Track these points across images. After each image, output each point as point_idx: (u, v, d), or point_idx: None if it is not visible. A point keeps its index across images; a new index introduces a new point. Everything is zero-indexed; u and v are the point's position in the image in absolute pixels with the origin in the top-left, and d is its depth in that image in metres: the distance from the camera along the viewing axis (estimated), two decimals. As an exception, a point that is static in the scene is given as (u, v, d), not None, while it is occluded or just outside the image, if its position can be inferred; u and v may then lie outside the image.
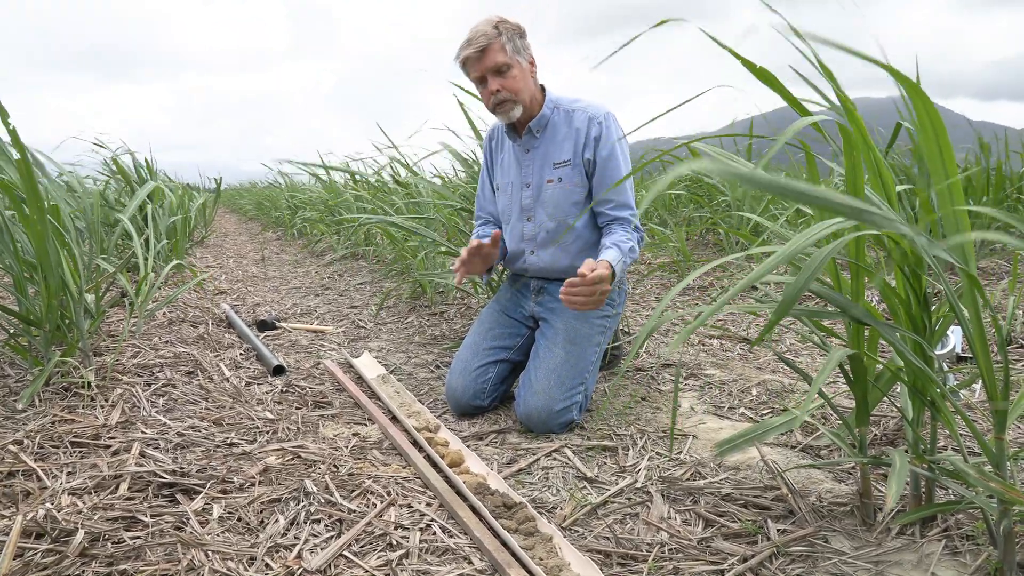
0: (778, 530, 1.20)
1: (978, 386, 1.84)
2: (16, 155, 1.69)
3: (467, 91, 2.84)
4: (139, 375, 2.05)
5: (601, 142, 1.88)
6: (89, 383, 1.85)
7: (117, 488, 1.35)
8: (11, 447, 1.49)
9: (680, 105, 0.98)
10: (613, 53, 0.91)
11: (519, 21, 1.87)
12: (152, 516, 1.25)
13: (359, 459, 1.56)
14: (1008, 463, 0.99)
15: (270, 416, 1.81)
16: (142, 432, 1.63)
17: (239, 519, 1.28)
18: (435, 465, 1.51)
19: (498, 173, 2.10)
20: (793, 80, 0.98)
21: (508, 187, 2.04)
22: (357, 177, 5.31)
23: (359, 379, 2.17)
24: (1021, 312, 2.38)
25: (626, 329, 2.52)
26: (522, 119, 1.93)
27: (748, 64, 0.93)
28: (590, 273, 1.59)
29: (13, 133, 1.67)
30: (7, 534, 1.15)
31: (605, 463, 1.55)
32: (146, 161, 4.86)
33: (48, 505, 1.23)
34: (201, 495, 1.35)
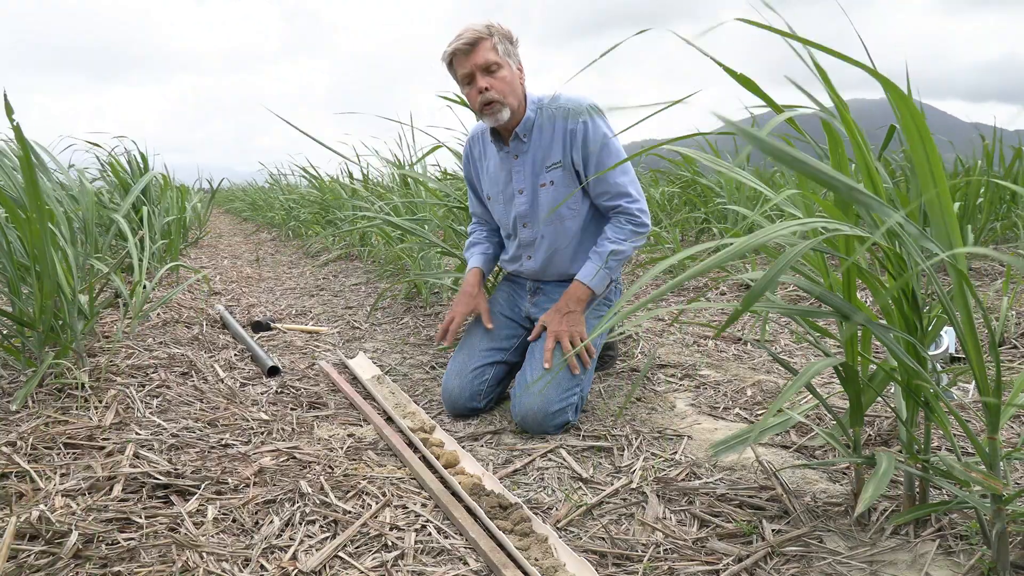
0: (773, 530, 1.21)
1: (971, 386, 1.85)
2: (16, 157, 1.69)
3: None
4: (133, 376, 2.04)
5: (589, 137, 1.84)
6: (83, 384, 1.85)
7: (111, 489, 1.34)
8: (4, 448, 1.49)
9: (671, 104, 0.98)
10: (602, 55, 0.91)
11: (510, 28, 1.85)
12: (146, 517, 1.25)
13: (354, 460, 1.56)
14: (1001, 463, 0.99)
15: (265, 417, 1.81)
16: (136, 433, 1.63)
17: (234, 520, 1.27)
18: (430, 466, 1.51)
19: (485, 182, 2.05)
20: (782, 84, 0.98)
21: (500, 196, 2.00)
22: (354, 178, 5.30)
23: (354, 380, 2.17)
24: (1014, 313, 2.39)
25: (621, 329, 2.52)
26: (508, 125, 1.88)
27: (729, 70, 0.94)
28: (539, 337, 1.73)
29: (17, 129, 1.66)
30: (1, 536, 1.15)
31: (600, 463, 1.55)
32: (142, 156, 4.82)
33: (42, 507, 1.23)
34: (196, 496, 1.34)
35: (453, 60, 1.82)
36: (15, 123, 1.64)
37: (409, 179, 3.91)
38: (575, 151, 1.85)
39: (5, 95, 1.63)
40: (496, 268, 2.31)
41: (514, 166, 1.94)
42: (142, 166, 4.73)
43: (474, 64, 1.78)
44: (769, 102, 1.00)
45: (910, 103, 0.85)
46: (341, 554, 1.17)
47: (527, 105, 1.89)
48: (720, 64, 0.92)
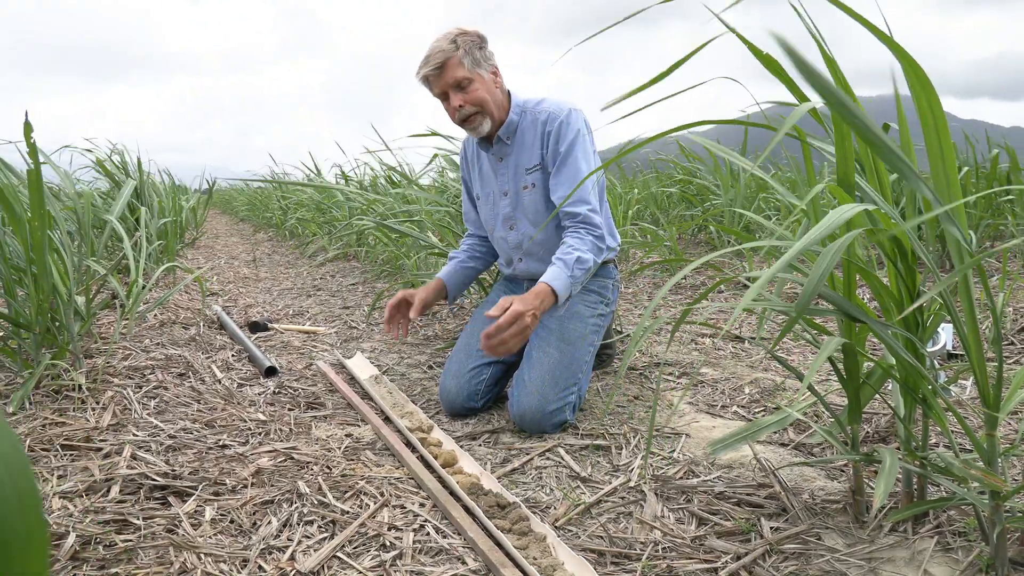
0: (771, 528, 1.21)
1: (970, 383, 1.85)
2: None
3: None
4: (130, 377, 2.04)
5: (559, 139, 1.85)
6: (80, 385, 1.84)
7: (108, 491, 1.34)
8: (1, 450, 1.48)
9: (675, 95, 0.98)
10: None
11: (479, 30, 1.84)
12: (144, 519, 1.25)
13: (352, 460, 1.56)
14: (999, 459, 0.99)
15: (262, 417, 1.80)
16: (133, 434, 1.62)
17: (231, 521, 1.27)
18: (428, 465, 1.50)
19: (477, 184, 2.09)
20: (773, 81, 1.00)
21: (488, 197, 2.04)
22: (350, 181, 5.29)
23: (352, 380, 2.17)
24: (1011, 309, 2.40)
25: (618, 328, 2.52)
26: (491, 131, 1.91)
27: (755, 50, 0.94)
28: (501, 314, 1.60)
29: (32, 147, 1.68)
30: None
31: (598, 462, 1.55)
32: (137, 161, 4.81)
33: (38, 509, 1.22)
34: (193, 497, 1.34)
35: (426, 81, 1.86)
36: (32, 141, 1.66)
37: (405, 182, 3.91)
38: (547, 153, 1.88)
39: (27, 115, 1.67)
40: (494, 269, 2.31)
41: (498, 169, 1.98)
42: (136, 168, 4.72)
43: (445, 84, 1.82)
44: (792, 87, 0.99)
45: (916, 65, 0.86)
46: (339, 554, 1.17)
47: (509, 107, 1.92)
48: (749, 44, 0.92)
